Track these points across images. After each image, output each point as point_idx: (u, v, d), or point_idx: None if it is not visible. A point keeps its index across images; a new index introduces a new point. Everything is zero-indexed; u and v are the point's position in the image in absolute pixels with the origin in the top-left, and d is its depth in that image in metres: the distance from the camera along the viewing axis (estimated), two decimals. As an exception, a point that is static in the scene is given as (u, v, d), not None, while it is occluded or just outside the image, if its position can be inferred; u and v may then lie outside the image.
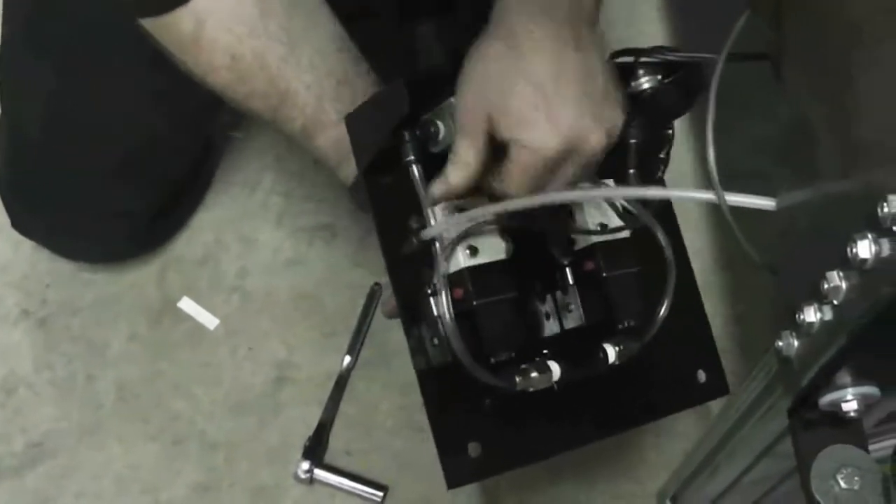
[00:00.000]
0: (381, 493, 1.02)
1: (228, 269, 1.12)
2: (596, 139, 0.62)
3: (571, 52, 0.62)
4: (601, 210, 0.73)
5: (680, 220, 0.80)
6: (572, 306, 0.74)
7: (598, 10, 0.67)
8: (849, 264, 0.42)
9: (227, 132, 1.16)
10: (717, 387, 0.80)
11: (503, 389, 0.66)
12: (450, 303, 0.64)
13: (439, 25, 0.95)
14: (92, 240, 1.05)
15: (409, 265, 0.67)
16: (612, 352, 0.69)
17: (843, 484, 0.50)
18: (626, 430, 0.80)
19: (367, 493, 1.02)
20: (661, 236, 0.70)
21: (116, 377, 1.06)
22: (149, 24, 0.71)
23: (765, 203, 0.54)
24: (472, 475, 0.70)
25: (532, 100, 0.61)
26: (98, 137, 0.94)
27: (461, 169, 0.65)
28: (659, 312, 0.71)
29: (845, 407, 0.50)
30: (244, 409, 1.06)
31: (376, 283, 1.10)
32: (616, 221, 0.72)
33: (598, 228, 0.72)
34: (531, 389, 0.66)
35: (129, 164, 0.97)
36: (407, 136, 0.66)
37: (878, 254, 0.41)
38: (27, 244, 1.08)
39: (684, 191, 0.61)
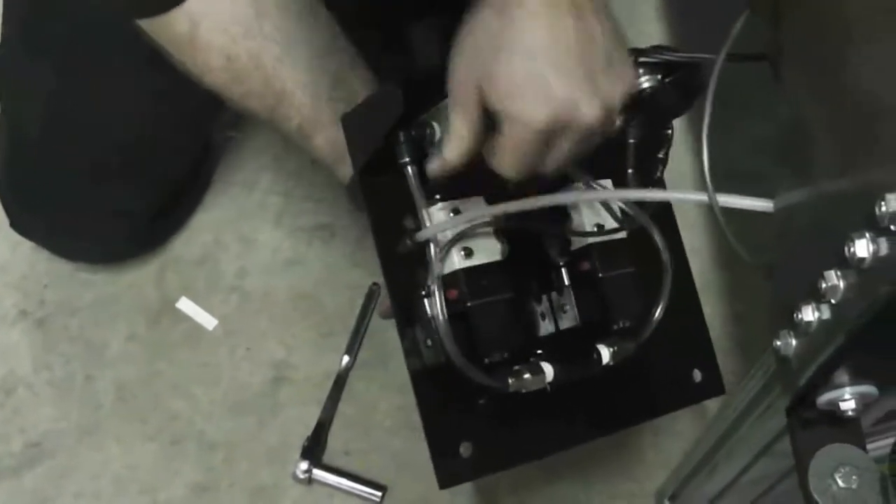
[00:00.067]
0: (379, 493, 1.02)
1: (227, 270, 1.12)
2: (589, 111, 0.58)
3: (568, 20, 0.58)
4: (598, 211, 0.72)
5: (678, 219, 0.80)
6: (567, 307, 0.74)
7: None
8: (847, 263, 0.42)
9: (225, 132, 1.16)
10: (713, 386, 0.80)
11: (497, 390, 0.66)
12: (443, 304, 0.64)
13: (436, 25, 0.95)
14: (91, 240, 1.05)
15: (404, 266, 0.67)
16: (606, 353, 0.69)
17: (840, 483, 0.50)
18: (620, 430, 0.79)
19: (365, 492, 1.02)
20: (658, 237, 0.70)
21: (115, 377, 1.06)
22: (145, 24, 0.71)
23: (760, 205, 0.54)
24: (465, 475, 0.70)
25: (521, 70, 0.57)
26: (97, 137, 0.94)
27: (456, 142, 0.63)
28: (654, 314, 0.71)
29: (843, 406, 0.50)
30: (243, 409, 1.06)
31: (374, 284, 1.10)
32: (612, 222, 0.72)
33: (595, 229, 0.72)
34: (524, 391, 0.66)
35: (128, 164, 0.97)
36: (402, 137, 0.66)
37: (875, 253, 0.41)
38: (25, 245, 1.08)
39: (677, 192, 0.61)
